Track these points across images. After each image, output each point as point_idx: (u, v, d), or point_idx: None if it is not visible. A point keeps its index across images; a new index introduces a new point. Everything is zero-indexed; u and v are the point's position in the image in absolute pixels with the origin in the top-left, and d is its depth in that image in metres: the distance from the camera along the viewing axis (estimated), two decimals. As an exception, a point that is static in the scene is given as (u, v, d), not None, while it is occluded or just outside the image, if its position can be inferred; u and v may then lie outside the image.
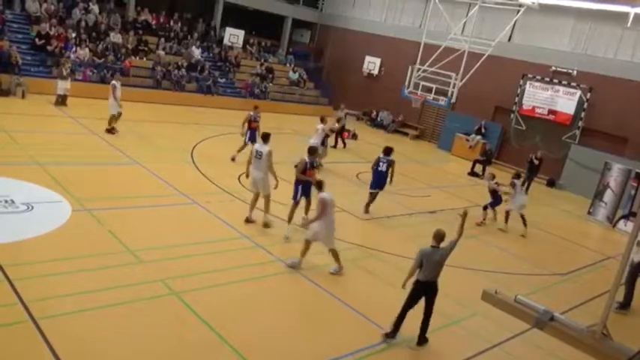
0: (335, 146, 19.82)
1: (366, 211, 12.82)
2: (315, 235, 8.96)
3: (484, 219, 13.71)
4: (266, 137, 10.70)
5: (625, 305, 9.98)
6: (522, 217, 13.51)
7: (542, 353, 8.01)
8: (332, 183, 14.85)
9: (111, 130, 15.10)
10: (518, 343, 8.10)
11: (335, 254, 9.06)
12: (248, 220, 10.57)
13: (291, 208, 10.52)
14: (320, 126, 15.87)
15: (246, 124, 15.05)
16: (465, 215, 7.45)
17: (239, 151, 14.97)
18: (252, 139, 14.61)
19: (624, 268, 7.05)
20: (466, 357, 7.51)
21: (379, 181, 12.85)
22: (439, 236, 7.45)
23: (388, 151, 12.97)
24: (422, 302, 7.39)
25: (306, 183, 10.46)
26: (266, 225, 10.54)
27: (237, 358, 6.39)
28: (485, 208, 13.79)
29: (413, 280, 7.42)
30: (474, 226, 13.07)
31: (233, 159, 14.89)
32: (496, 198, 13.63)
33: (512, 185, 13.45)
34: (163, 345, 6.39)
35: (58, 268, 7.55)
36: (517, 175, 13.91)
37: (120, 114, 15.28)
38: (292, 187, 10.72)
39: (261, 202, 10.59)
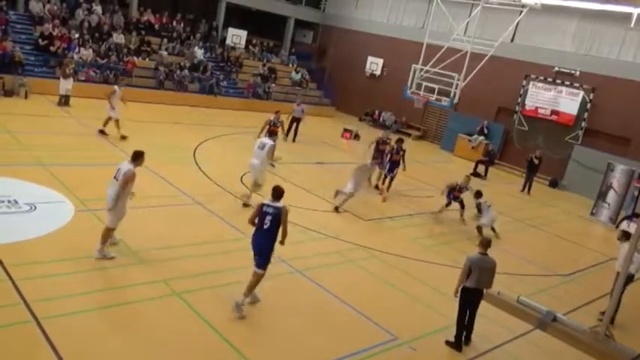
0: (286, 137, 19.02)
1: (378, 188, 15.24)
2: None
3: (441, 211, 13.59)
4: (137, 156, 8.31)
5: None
6: (492, 229, 13.01)
7: (544, 354, 7.99)
8: (334, 184, 14.87)
9: (103, 132, 14.93)
10: (520, 344, 8.08)
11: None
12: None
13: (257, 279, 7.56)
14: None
15: (265, 129, 15.08)
16: None
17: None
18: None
19: (625, 273, 7.05)
20: (468, 358, 7.50)
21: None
22: (486, 243, 7.52)
23: (400, 142, 15.24)
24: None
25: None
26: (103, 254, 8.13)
27: (239, 359, 6.39)
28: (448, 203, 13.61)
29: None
30: (473, 228, 13.06)
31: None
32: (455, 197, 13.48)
33: (478, 207, 13.15)
34: (165, 345, 6.40)
35: (60, 268, 7.57)
36: (478, 194, 13.31)
37: (110, 119, 14.96)
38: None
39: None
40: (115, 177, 8.05)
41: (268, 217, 7.32)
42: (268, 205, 7.39)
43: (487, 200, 13.31)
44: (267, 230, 7.33)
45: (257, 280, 7.48)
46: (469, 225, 13.58)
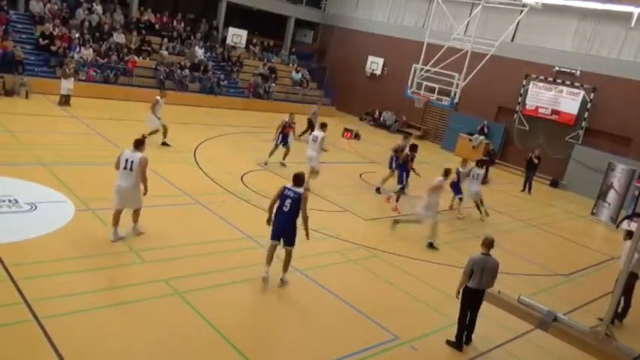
0: (300, 137, 19.35)
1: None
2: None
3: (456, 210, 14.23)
4: (140, 143, 8.82)
5: (619, 316, 9.35)
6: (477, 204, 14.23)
7: (545, 354, 7.99)
8: (336, 183, 14.88)
9: (165, 143, 14.98)
10: (521, 343, 8.08)
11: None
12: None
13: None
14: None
15: (279, 129, 15.38)
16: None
17: (270, 155, 15.26)
18: (284, 143, 15.38)
19: (626, 272, 7.04)
20: (468, 357, 7.49)
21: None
22: (488, 243, 7.43)
23: (414, 148, 14.52)
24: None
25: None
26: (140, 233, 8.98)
27: (240, 358, 6.39)
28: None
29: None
30: (474, 227, 13.07)
31: (265, 163, 15.05)
32: (456, 189, 14.05)
33: (458, 175, 13.88)
34: (167, 344, 6.40)
35: (61, 267, 7.57)
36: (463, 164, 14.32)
37: (156, 131, 14.90)
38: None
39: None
40: (125, 167, 8.49)
41: (288, 200, 7.96)
42: (289, 189, 8.03)
43: (469, 170, 14.14)
44: (288, 212, 7.98)
45: (290, 255, 8.28)
46: (470, 224, 13.58)
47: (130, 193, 8.60)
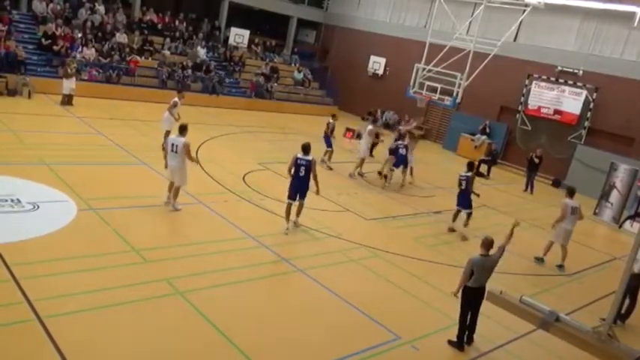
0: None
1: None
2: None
3: (389, 178, 15.51)
4: (183, 129, 10.39)
5: (622, 317, 9.29)
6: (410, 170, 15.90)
7: (546, 354, 7.98)
8: (337, 183, 14.88)
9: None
10: (522, 344, 8.07)
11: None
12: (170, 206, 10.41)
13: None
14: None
15: (327, 132, 16.55)
16: (515, 225, 7.97)
17: (330, 159, 16.49)
18: (329, 144, 16.59)
19: (629, 269, 7.01)
20: (470, 357, 7.49)
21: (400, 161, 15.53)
22: (488, 244, 7.46)
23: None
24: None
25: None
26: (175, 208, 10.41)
27: (242, 358, 6.40)
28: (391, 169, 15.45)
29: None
30: (475, 227, 13.03)
31: (331, 168, 16.23)
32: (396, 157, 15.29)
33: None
34: (168, 344, 6.41)
35: (63, 267, 7.59)
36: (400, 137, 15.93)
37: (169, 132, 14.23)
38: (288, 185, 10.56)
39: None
40: (172, 150, 10.14)
41: (302, 168, 10.09)
42: (301, 158, 10.12)
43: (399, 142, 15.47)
44: (303, 177, 10.18)
45: (302, 206, 10.52)
46: (470, 224, 13.55)
47: (176, 170, 10.22)
